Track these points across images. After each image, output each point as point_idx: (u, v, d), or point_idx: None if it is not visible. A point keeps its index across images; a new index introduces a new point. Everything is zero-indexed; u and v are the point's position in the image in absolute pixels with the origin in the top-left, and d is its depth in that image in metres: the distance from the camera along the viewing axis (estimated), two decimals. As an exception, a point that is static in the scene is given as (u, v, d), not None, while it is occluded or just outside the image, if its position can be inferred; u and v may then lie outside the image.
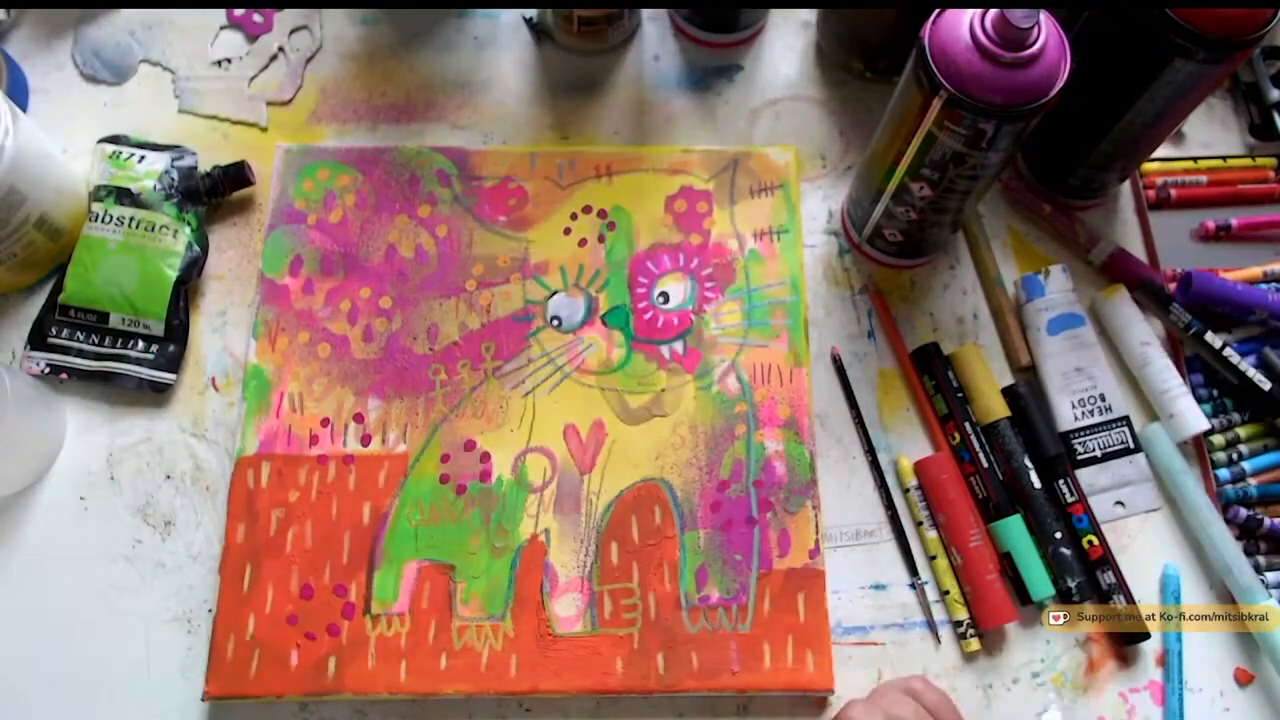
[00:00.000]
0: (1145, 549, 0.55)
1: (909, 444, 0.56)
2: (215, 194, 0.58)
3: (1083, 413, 0.56)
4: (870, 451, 0.56)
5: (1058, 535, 0.53)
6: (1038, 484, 0.54)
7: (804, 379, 0.55)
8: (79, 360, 0.55)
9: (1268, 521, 0.54)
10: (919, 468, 0.55)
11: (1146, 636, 0.52)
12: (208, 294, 0.58)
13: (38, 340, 0.56)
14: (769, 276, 0.58)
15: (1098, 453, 0.55)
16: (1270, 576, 0.54)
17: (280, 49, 0.64)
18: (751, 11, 0.63)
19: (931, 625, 0.53)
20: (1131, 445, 0.56)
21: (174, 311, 0.56)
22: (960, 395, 0.56)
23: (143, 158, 0.58)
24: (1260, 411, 0.56)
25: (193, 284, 0.57)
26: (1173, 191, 0.61)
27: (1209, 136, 0.64)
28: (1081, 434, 0.55)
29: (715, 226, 0.59)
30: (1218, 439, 0.56)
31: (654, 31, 0.65)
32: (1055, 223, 0.60)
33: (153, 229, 0.56)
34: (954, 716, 0.47)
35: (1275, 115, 0.63)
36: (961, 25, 0.44)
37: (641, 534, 0.52)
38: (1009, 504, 0.53)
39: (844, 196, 0.61)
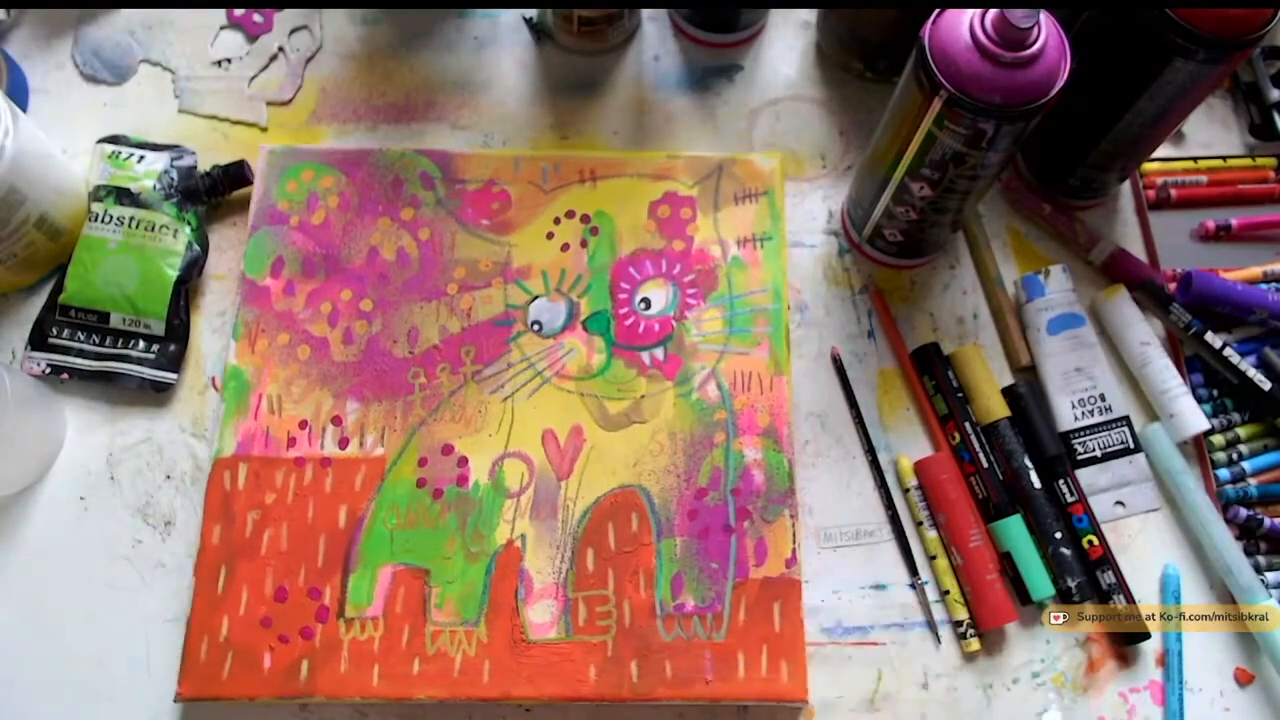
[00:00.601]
0: (1145, 549, 0.55)
1: (909, 444, 0.56)
2: (215, 194, 0.59)
3: (1083, 413, 0.56)
4: (870, 451, 0.56)
5: (1058, 535, 0.53)
6: (1038, 484, 0.54)
7: (784, 387, 0.55)
8: (79, 360, 0.55)
9: (1268, 521, 0.54)
10: (919, 468, 0.55)
11: (1146, 636, 0.52)
12: (208, 294, 0.58)
13: (38, 340, 0.56)
14: (751, 284, 0.57)
15: (1098, 453, 0.55)
16: (1270, 576, 0.54)
17: (280, 49, 0.64)
18: (751, 11, 0.63)
19: (932, 625, 0.53)
20: (1132, 445, 0.56)
21: (174, 311, 0.56)
22: (960, 395, 0.56)
23: (142, 158, 0.58)
24: (1260, 411, 0.56)
25: (193, 284, 0.57)
26: (1173, 191, 0.61)
27: (1209, 136, 0.64)
28: (1081, 434, 0.55)
29: (698, 233, 0.59)
30: (1218, 439, 0.56)
31: (654, 31, 0.65)
32: (1055, 223, 0.60)
33: (153, 229, 0.56)
34: None
35: (1275, 115, 0.63)
36: (961, 25, 0.44)
37: (618, 541, 0.52)
38: (1009, 504, 0.53)
39: (844, 196, 0.61)
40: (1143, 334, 0.57)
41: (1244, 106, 0.64)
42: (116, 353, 0.56)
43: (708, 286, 0.57)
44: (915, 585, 0.53)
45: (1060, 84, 0.44)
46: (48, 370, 0.55)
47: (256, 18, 0.64)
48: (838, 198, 0.62)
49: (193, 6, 0.64)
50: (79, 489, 0.54)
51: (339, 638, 0.50)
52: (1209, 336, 0.56)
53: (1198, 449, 0.56)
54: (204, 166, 0.59)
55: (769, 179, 0.60)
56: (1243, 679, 0.53)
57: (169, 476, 0.54)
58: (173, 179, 0.58)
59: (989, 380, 0.56)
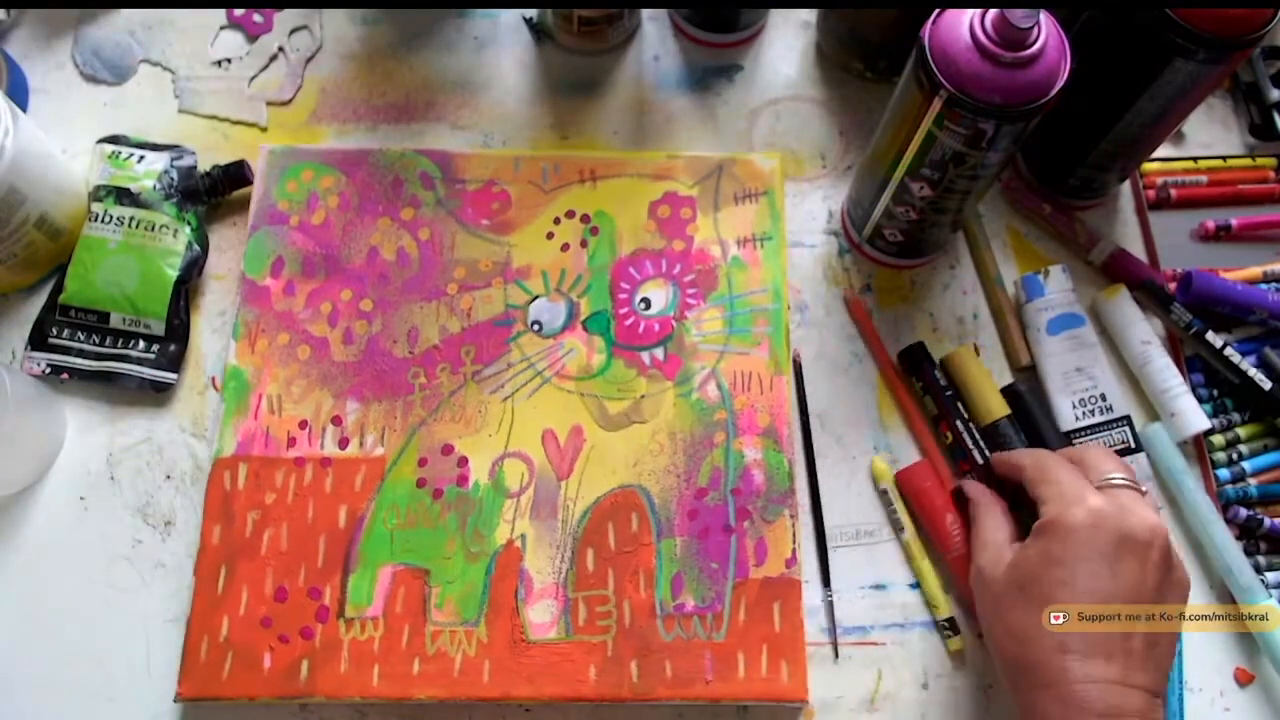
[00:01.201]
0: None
1: (909, 445, 0.56)
2: (215, 193, 0.59)
3: (1084, 413, 0.56)
4: (810, 462, 0.55)
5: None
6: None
7: (784, 387, 0.55)
8: (80, 360, 0.56)
9: (1268, 521, 0.54)
10: (900, 479, 0.55)
11: None
12: (208, 294, 0.58)
13: (38, 340, 0.56)
14: (751, 284, 0.57)
15: None
16: (1270, 576, 0.54)
17: (280, 49, 0.64)
18: (751, 11, 0.63)
19: (937, 625, 0.53)
20: (1133, 445, 0.55)
21: (174, 311, 0.56)
22: (949, 394, 0.55)
23: (142, 158, 0.58)
24: (1260, 411, 0.56)
25: (193, 284, 0.57)
26: (1173, 191, 0.61)
27: (1209, 136, 0.64)
28: (1083, 434, 0.55)
29: (699, 233, 0.59)
30: (1218, 439, 0.56)
31: (654, 31, 0.65)
32: (1055, 223, 0.60)
33: (153, 229, 0.56)
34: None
35: (1275, 115, 0.63)
36: (961, 25, 0.44)
37: (618, 541, 0.52)
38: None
39: (844, 196, 0.61)
40: (1143, 333, 0.57)
41: (1244, 106, 0.64)
42: (116, 353, 0.56)
43: (708, 286, 0.57)
44: (827, 599, 0.53)
45: (1060, 84, 0.44)
46: (48, 370, 0.55)
47: (256, 18, 0.64)
48: (838, 198, 0.62)
49: (193, 6, 0.64)
50: (79, 489, 0.54)
51: (339, 638, 0.50)
52: (1210, 336, 0.56)
53: (1198, 449, 0.56)
54: (204, 166, 0.59)
55: (769, 179, 0.60)
56: (1242, 679, 0.53)
57: (169, 476, 0.55)
58: (173, 179, 0.58)
59: (987, 380, 0.56)
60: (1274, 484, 0.55)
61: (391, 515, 0.52)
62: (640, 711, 0.51)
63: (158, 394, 0.56)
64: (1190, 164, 0.62)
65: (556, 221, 0.59)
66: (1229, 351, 0.56)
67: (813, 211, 0.61)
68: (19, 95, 0.61)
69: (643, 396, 0.55)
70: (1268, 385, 0.55)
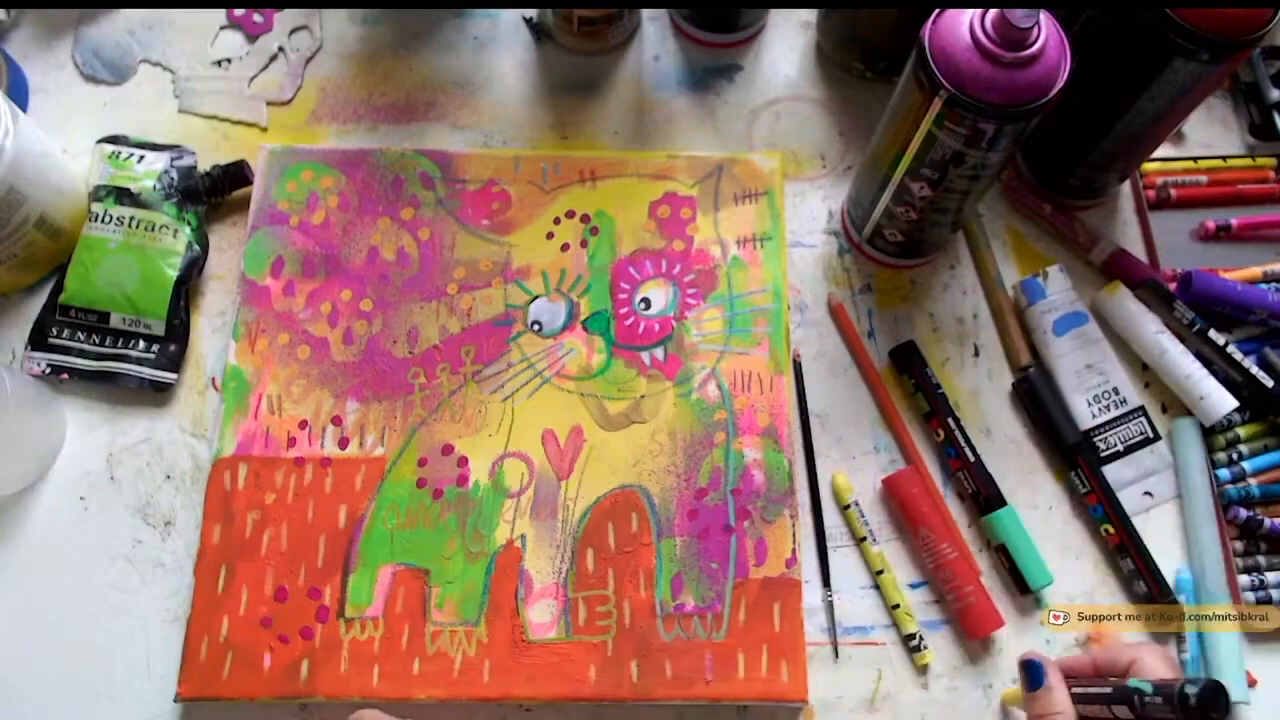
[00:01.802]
0: (1152, 546, 0.54)
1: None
2: (215, 193, 0.59)
3: (1099, 409, 0.56)
4: (810, 462, 0.55)
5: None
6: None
7: (784, 387, 0.55)
8: (79, 360, 0.55)
9: (1268, 522, 0.54)
10: (888, 484, 0.55)
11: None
12: (208, 294, 0.58)
13: (38, 340, 0.56)
14: (751, 284, 0.57)
15: (1120, 446, 0.56)
16: (1270, 576, 0.54)
17: (280, 49, 0.64)
18: (751, 11, 0.63)
19: (904, 640, 0.53)
20: (1151, 435, 0.56)
21: (174, 311, 0.56)
22: (941, 391, 0.55)
23: (142, 158, 0.58)
24: (1262, 411, 0.56)
25: (193, 284, 0.57)
26: (1173, 191, 0.61)
27: (1209, 136, 0.64)
28: (1102, 430, 0.56)
29: (698, 233, 0.59)
30: (1218, 439, 0.56)
31: (654, 31, 0.65)
32: (1055, 223, 0.60)
33: (153, 229, 0.56)
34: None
35: (1275, 115, 0.63)
36: (961, 25, 0.44)
37: (618, 541, 0.52)
38: (999, 496, 0.53)
39: (844, 196, 0.61)
40: (1154, 323, 0.57)
41: (1244, 106, 0.64)
42: (116, 353, 0.56)
43: (708, 286, 0.57)
44: (827, 599, 0.53)
45: (1060, 84, 0.44)
46: (48, 370, 0.55)
47: (256, 18, 0.64)
48: (838, 198, 0.62)
49: (193, 6, 0.64)
50: (79, 489, 0.54)
51: (339, 638, 0.50)
52: (1212, 334, 0.56)
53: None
54: (204, 166, 0.59)
55: (769, 179, 0.60)
56: (1249, 682, 0.52)
57: (169, 476, 0.54)
58: (173, 179, 0.58)
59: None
60: (1274, 484, 0.55)
61: (391, 515, 0.52)
62: (640, 711, 0.51)
63: (158, 394, 0.56)
64: (1190, 164, 0.62)
65: (556, 221, 0.59)
66: (1231, 349, 0.56)
67: (813, 211, 0.61)
68: (19, 95, 0.61)
69: (643, 396, 0.55)
70: (1270, 383, 0.55)
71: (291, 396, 0.55)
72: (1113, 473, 0.55)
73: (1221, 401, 0.55)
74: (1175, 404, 0.57)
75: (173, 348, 0.56)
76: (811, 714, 0.51)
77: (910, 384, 0.56)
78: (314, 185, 0.59)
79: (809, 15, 0.66)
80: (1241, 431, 0.56)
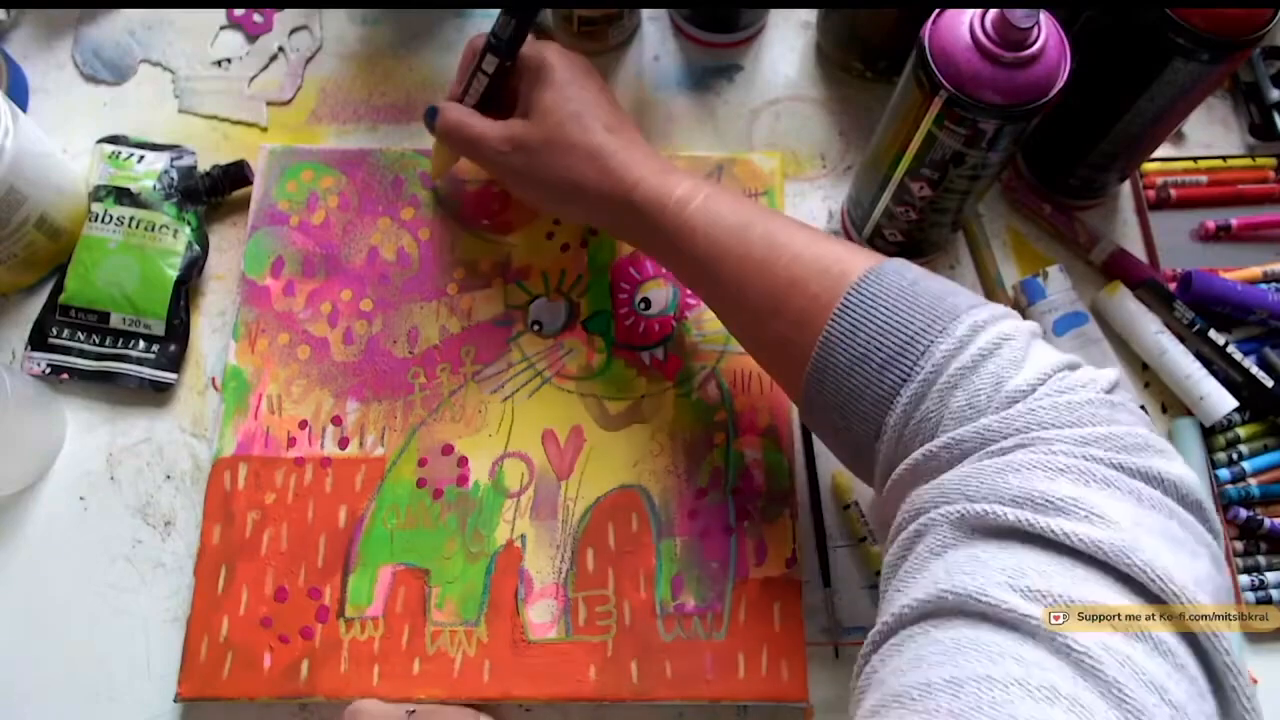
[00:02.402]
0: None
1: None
2: (215, 193, 0.59)
3: (1099, 409, 0.56)
4: (810, 462, 0.55)
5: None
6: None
7: None
8: (79, 360, 0.56)
9: (1268, 522, 0.54)
10: None
11: None
12: (208, 294, 0.58)
13: (38, 340, 0.56)
14: None
15: None
16: (1270, 576, 0.54)
17: (280, 49, 0.64)
18: (751, 11, 0.63)
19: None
20: (1151, 432, 0.56)
21: (174, 311, 0.56)
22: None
23: (142, 158, 0.58)
24: (1262, 410, 0.56)
25: (193, 284, 0.57)
26: (1173, 191, 0.61)
27: (1209, 136, 0.64)
28: (1101, 428, 0.56)
29: None
30: (1218, 439, 0.56)
31: (654, 31, 0.65)
32: (1055, 223, 0.60)
33: (153, 229, 0.56)
34: None
35: (1275, 115, 0.63)
36: (961, 25, 0.44)
37: (618, 541, 0.52)
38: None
39: (844, 196, 0.61)
40: (1154, 323, 0.57)
41: (1244, 106, 0.64)
42: (116, 353, 0.56)
43: (708, 287, 0.57)
44: (827, 599, 0.53)
45: (1060, 84, 0.44)
46: (48, 370, 0.55)
47: (256, 18, 0.64)
48: (838, 198, 0.62)
49: (193, 6, 0.64)
50: (79, 489, 0.54)
51: (339, 638, 0.50)
52: (1212, 334, 0.56)
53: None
54: (204, 166, 0.59)
55: (769, 179, 0.60)
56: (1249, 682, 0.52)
57: (169, 476, 0.54)
58: (173, 179, 0.58)
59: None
60: (1274, 484, 0.55)
61: (391, 515, 0.52)
62: (640, 711, 0.51)
63: (158, 394, 0.56)
64: (1190, 164, 0.62)
65: (557, 222, 0.59)
66: (1231, 350, 0.56)
67: (813, 211, 0.61)
68: (19, 95, 0.61)
69: (643, 396, 0.55)
70: (1270, 383, 0.55)
71: (291, 396, 0.55)
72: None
73: (1221, 401, 0.55)
74: (1175, 404, 0.57)
75: (173, 348, 0.56)
76: (811, 714, 0.51)
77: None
78: (314, 185, 0.59)
79: (809, 15, 0.66)
80: (1241, 431, 0.56)
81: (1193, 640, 0.30)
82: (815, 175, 0.62)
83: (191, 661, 0.49)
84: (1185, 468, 0.34)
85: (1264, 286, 0.59)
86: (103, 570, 0.53)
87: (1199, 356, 0.56)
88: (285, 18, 0.65)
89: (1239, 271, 0.59)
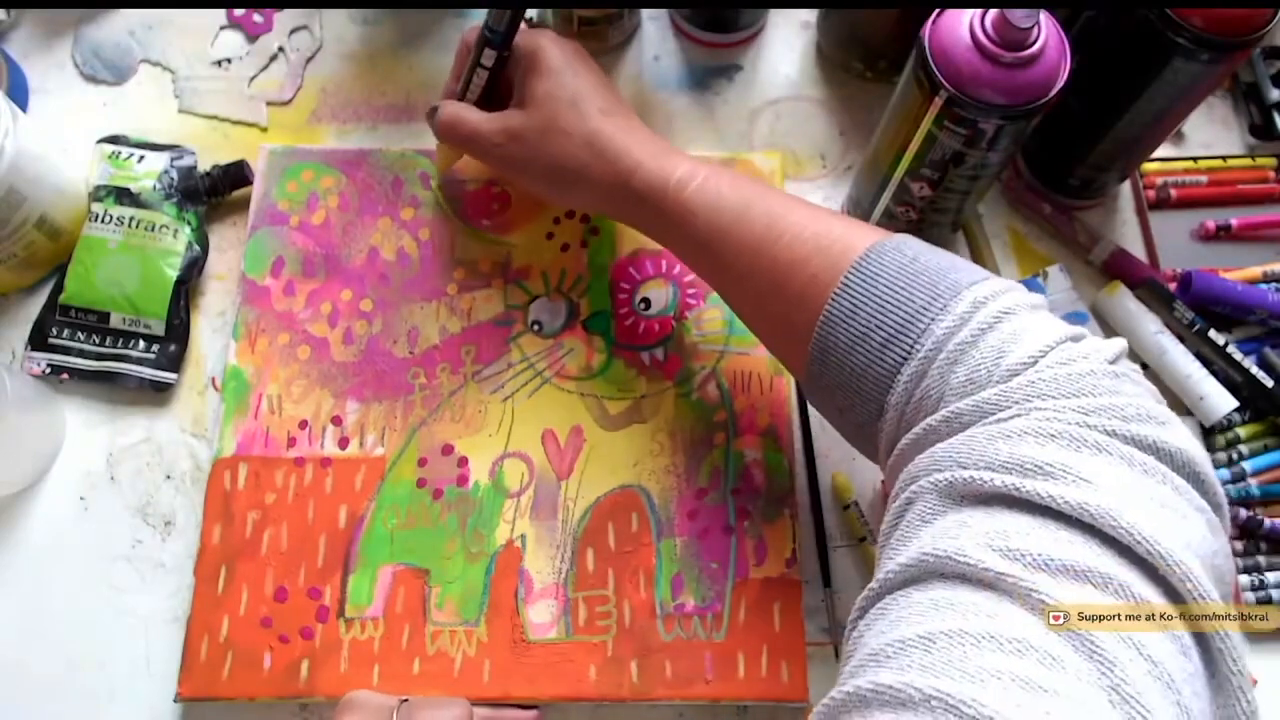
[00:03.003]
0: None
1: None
2: (215, 193, 0.59)
3: (1099, 409, 0.56)
4: (810, 462, 0.55)
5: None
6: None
7: (784, 387, 0.55)
8: (79, 360, 0.56)
9: (1268, 522, 0.54)
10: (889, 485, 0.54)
11: None
12: (208, 294, 0.58)
13: (38, 340, 0.56)
14: None
15: None
16: (1270, 576, 0.54)
17: (280, 49, 0.64)
18: (751, 11, 0.63)
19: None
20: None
21: (174, 311, 0.56)
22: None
23: (142, 158, 0.58)
24: (1262, 410, 0.56)
25: (193, 284, 0.57)
26: (1173, 191, 0.61)
27: (1209, 136, 0.64)
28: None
29: None
30: (1218, 439, 0.56)
31: (654, 31, 0.65)
32: (1055, 223, 0.60)
33: (153, 229, 0.56)
34: None
35: (1275, 115, 0.63)
36: (961, 25, 0.44)
37: (618, 541, 0.52)
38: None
39: (844, 196, 0.61)
40: (1154, 323, 0.57)
41: (1244, 106, 0.64)
42: (116, 353, 0.56)
43: (708, 286, 0.57)
44: (827, 599, 0.53)
45: (1060, 84, 0.44)
46: (48, 370, 0.55)
47: (256, 18, 0.64)
48: (838, 198, 0.62)
49: (193, 6, 0.64)
50: (79, 489, 0.54)
51: (339, 638, 0.50)
52: (1212, 334, 0.56)
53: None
54: (204, 166, 0.59)
55: (769, 179, 0.60)
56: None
57: (169, 476, 0.54)
58: (173, 179, 0.58)
59: None
60: (1274, 484, 0.55)
61: (391, 515, 0.52)
62: (640, 711, 0.51)
63: (158, 394, 0.56)
64: (1190, 164, 0.62)
65: (556, 222, 0.59)
66: (1231, 350, 0.56)
67: (813, 211, 0.61)
68: (19, 95, 0.61)
69: (643, 396, 0.55)
70: (1270, 383, 0.55)
71: (291, 396, 0.55)
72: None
73: (1221, 401, 0.55)
74: (1175, 404, 0.57)
75: (173, 348, 0.56)
76: (811, 714, 0.51)
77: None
78: (314, 185, 0.59)
79: (809, 15, 0.66)
80: (1241, 431, 0.56)
81: (1180, 602, 0.30)
82: (815, 175, 0.62)
83: (191, 661, 0.49)
84: (1189, 439, 0.33)
85: (1264, 286, 0.59)
86: (103, 570, 0.53)
87: (1199, 356, 0.56)
88: (285, 18, 0.65)
89: (1239, 271, 0.59)
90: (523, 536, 0.52)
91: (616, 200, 0.49)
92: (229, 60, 0.64)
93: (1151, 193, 0.61)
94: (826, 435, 0.56)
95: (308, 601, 0.51)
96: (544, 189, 0.53)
